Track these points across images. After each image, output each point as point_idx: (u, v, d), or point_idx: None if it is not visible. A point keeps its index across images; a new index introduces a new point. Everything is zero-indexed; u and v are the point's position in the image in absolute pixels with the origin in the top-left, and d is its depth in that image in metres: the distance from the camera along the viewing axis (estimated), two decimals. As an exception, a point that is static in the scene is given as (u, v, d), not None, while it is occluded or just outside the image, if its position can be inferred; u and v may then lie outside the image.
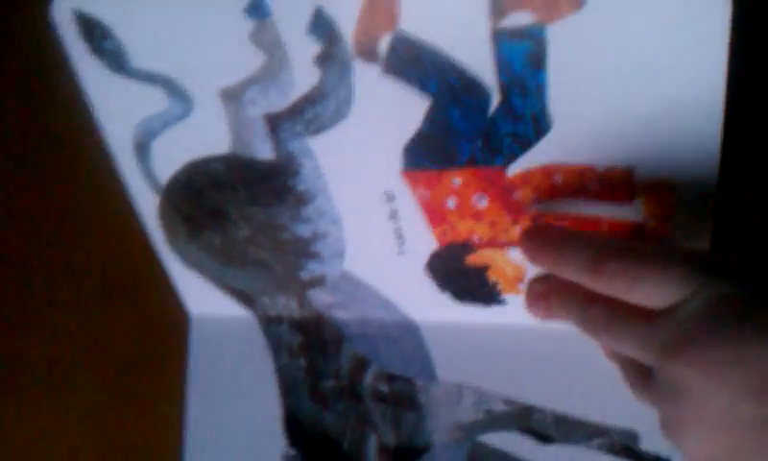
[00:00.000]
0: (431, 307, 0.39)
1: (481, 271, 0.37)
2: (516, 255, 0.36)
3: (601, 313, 0.30)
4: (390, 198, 0.36)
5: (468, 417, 0.38)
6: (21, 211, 0.45)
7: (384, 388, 0.39)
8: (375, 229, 0.37)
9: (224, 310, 0.42)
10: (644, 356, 0.29)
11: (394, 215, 0.36)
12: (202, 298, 0.42)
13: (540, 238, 0.34)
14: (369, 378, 0.39)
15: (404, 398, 0.39)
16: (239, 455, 0.39)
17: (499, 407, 0.38)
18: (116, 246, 0.44)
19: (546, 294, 0.35)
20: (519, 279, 0.37)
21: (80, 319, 0.44)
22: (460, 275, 0.38)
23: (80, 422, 0.43)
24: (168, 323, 0.42)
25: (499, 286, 0.38)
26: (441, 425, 0.38)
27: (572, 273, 0.31)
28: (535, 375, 0.38)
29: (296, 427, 0.39)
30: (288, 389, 0.40)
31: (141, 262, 0.43)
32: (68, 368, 0.43)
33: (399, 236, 0.37)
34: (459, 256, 0.37)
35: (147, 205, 0.38)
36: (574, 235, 0.32)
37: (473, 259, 0.37)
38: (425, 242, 0.37)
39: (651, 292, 0.29)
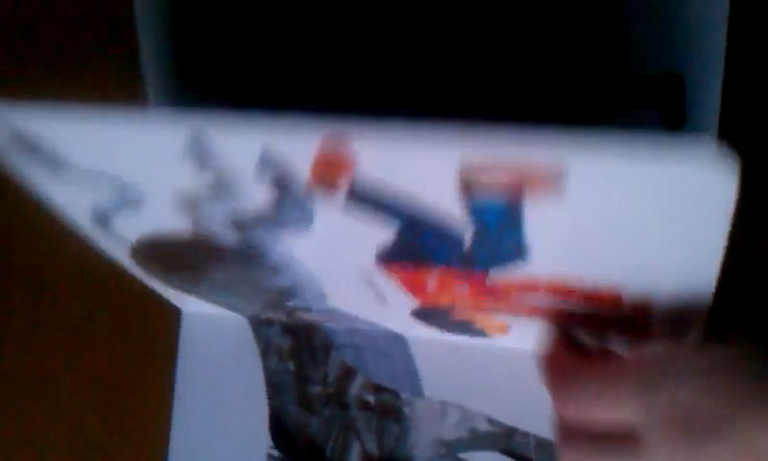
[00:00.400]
0: (419, 330, 0.39)
1: (466, 321, 0.36)
2: (499, 317, 0.35)
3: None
4: (366, 276, 0.34)
5: (451, 434, 0.40)
6: None
7: (370, 398, 0.40)
8: (355, 292, 0.35)
9: (214, 308, 0.42)
10: None
11: (372, 284, 0.34)
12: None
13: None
14: (355, 388, 0.40)
15: (389, 409, 0.40)
16: (224, 453, 0.41)
17: (483, 427, 0.39)
18: None
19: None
20: (506, 328, 0.36)
21: (64, 317, 0.44)
22: (445, 321, 0.37)
23: (67, 423, 0.43)
24: (159, 318, 0.43)
25: (485, 330, 0.37)
26: (423, 440, 0.40)
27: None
28: (520, 397, 0.39)
29: (281, 430, 0.41)
30: (275, 391, 0.41)
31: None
32: (54, 365, 0.44)
33: (380, 296, 0.35)
34: (443, 313, 0.36)
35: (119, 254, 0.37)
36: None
37: (457, 316, 0.36)
38: (407, 303, 0.35)
39: (609, 414, 0.28)
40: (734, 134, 0.33)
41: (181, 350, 0.43)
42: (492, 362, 0.39)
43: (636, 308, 0.30)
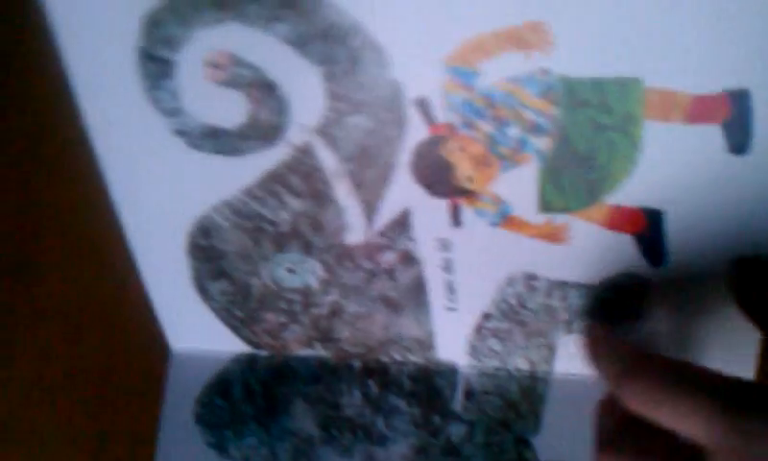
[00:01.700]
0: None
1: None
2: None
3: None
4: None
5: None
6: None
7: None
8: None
9: (206, 345, 0.40)
10: None
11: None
12: (183, 328, 0.40)
13: (584, 336, 0.33)
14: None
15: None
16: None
17: None
18: (90, 274, 0.42)
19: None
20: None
21: (42, 357, 0.41)
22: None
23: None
24: (145, 357, 0.41)
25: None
26: None
27: (604, 382, 0.30)
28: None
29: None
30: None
31: (117, 292, 0.41)
32: (31, 412, 0.41)
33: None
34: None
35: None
36: (609, 346, 0.30)
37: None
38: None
39: (674, 422, 0.26)
40: None
41: (170, 389, 0.40)
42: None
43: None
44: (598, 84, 0.28)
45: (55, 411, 0.41)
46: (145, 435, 0.40)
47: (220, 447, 0.39)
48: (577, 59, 0.28)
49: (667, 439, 0.27)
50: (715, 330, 0.34)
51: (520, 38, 0.28)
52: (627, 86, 0.28)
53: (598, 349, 0.31)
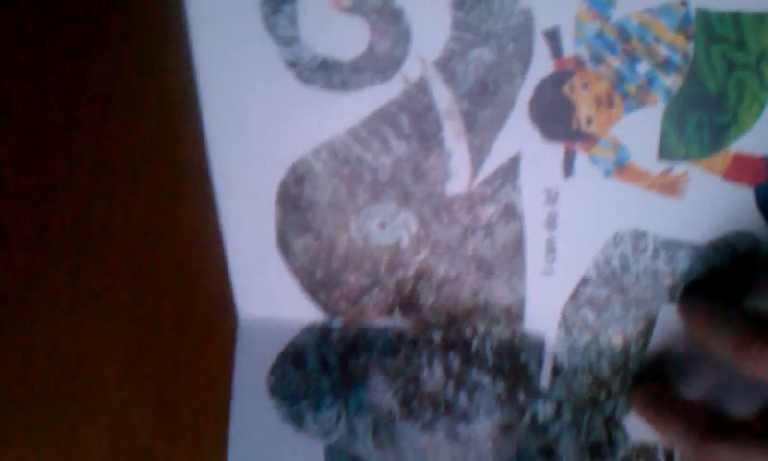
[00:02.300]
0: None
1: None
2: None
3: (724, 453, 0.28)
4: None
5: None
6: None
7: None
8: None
9: (278, 313, 0.38)
10: None
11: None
12: (255, 292, 0.38)
13: (692, 308, 0.33)
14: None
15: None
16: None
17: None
18: (167, 221, 0.40)
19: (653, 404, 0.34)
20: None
21: (112, 313, 0.39)
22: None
23: (111, 438, 0.39)
24: (215, 324, 0.39)
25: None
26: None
27: (718, 350, 0.30)
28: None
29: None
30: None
31: (192, 247, 0.39)
32: (96, 370, 0.38)
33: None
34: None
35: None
36: (724, 312, 0.31)
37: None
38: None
39: None
40: None
41: (239, 359, 0.38)
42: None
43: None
44: (736, 18, 0.28)
45: (124, 375, 0.38)
46: (218, 406, 0.37)
47: (296, 420, 0.37)
48: (717, -10, 0.28)
49: None
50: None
51: (662, -34, 0.28)
52: (765, 22, 0.28)
53: (712, 319, 0.31)
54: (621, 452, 0.35)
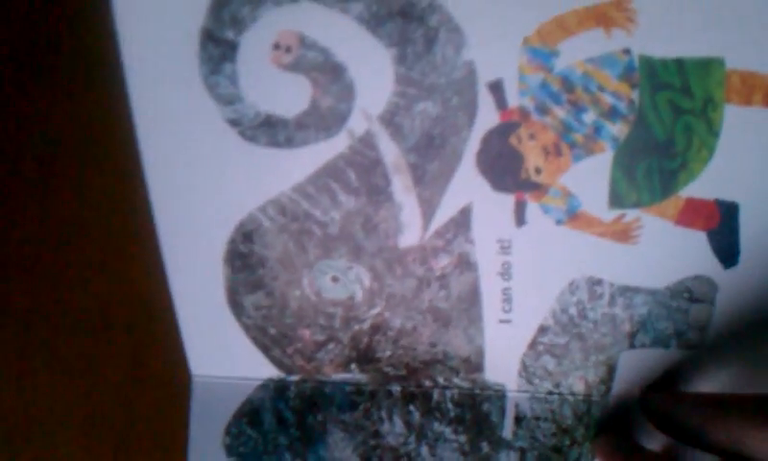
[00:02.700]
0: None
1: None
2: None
3: None
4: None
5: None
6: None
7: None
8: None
9: (230, 372, 0.37)
10: None
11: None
12: (208, 351, 0.37)
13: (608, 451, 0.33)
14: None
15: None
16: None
17: None
18: (116, 281, 0.39)
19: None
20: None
21: (63, 370, 0.38)
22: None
23: None
24: (169, 384, 0.38)
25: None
26: None
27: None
28: None
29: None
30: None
31: (142, 310, 0.38)
32: (49, 431, 0.37)
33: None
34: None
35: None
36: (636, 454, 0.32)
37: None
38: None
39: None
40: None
41: (194, 418, 0.37)
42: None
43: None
44: (680, 65, 0.28)
45: (77, 436, 0.37)
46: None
47: (253, 480, 0.36)
48: (659, 37, 0.28)
49: None
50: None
51: (604, 15, 0.28)
52: (709, 67, 0.28)
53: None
54: (587, 501, 0.35)
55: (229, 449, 0.36)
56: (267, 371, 0.37)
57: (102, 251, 0.39)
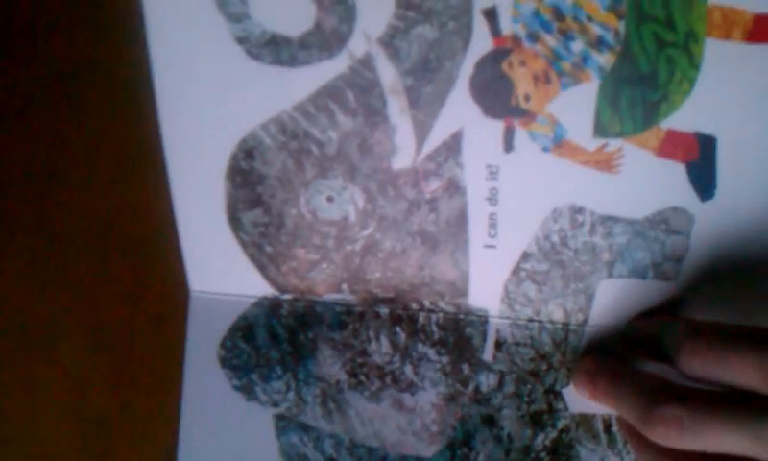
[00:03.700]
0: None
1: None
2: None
3: (680, 412, 0.29)
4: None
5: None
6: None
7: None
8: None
9: (227, 288, 0.39)
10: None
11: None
12: (206, 267, 0.39)
13: (594, 373, 0.34)
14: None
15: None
16: (236, 440, 0.38)
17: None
18: (117, 193, 0.41)
19: (595, 375, 0.35)
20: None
21: (68, 282, 0.39)
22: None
23: (67, 406, 0.39)
24: (168, 298, 0.39)
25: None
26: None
27: (624, 414, 0.31)
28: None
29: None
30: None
31: (143, 224, 0.40)
32: (52, 342, 0.39)
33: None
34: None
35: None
36: (629, 375, 0.32)
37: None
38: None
39: (746, 376, 0.28)
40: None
41: (191, 331, 0.39)
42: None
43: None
44: (665, -2, 0.29)
45: (79, 347, 0.38)
46: (170, 377, 0.38)
47: (247, 390, 0.38)
48: (646, -30, 0.29)
49: None
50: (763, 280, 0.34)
51: (595, -54, 0.29)
52: (691, 1, 0.29)
53: (616, 382, 0.32)
54: (561, 422, 0.36)
55: (223, 362, 0.38)
56: (262, 289, 0.39)
57: (106, 167, 0.40)
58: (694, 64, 0.30)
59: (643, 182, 0.33)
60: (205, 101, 0.34)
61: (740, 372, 0.28)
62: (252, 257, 0.38)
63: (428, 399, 0.37)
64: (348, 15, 0.32)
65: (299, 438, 0.37)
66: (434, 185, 0.35)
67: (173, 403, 0.38)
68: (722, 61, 0.30)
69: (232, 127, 0.35)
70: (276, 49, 0.33)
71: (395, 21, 0.32)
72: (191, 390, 0.38)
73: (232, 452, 0.37)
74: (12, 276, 0.39)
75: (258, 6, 0.32)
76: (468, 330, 0.38)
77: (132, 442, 0.38)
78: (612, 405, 0.33)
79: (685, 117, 0.31)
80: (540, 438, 0.36)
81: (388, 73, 0.33)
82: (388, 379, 0.37)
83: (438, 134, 0.34)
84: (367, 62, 0.33)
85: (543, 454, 0.36)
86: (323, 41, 0.32)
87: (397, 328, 0.38)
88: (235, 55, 0.33)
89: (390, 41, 0.32)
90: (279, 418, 0.37)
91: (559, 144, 0.33)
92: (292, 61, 0.33)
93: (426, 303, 0.38)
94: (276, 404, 0.37)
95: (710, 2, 0.29)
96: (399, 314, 0.38)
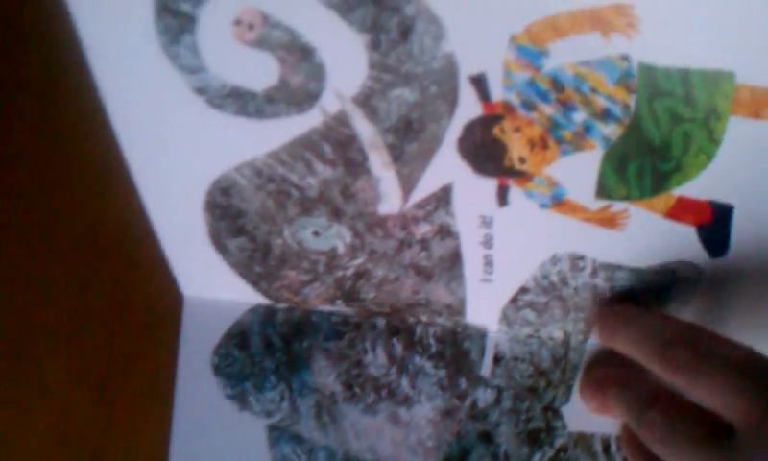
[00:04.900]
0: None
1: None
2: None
3: (659, 421, 0.28)
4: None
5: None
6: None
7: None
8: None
9: (221, 295, 0.38)
10: None
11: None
12: (197, 279, 0.38)
13: (612, 320, 0.32)
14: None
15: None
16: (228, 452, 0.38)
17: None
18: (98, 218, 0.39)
19: (603, 383, 0.33)
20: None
21: (52, 295, 0.39)
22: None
23: (49, 419, 0.38)
24: (158, 305, 0.38)
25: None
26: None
27: (642, 358, 0.30)
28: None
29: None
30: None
31: (129, 236, 0.38)
32: (36, 354, 0.39)
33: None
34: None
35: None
36: (646, 319, 0.30)
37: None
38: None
39: (708, 396, 0.27)
40: None
41: (184, 338, 0.39)
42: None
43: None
44: (684, 75, 0.25)
45: (64, 357, 0.39)
46: (162, 383, 0.38)
47: (240, 399, 0.38)
48: (664, 46, 0.24)
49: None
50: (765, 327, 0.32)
51: (602, 20, 0.24)
52: (717, 80, 0.24)
53: (633, 324, 0.30)
54: (559, 441, 0.36)
55: (217, 369, 0.38)
56: (256, 298, 0.38)
57: (88, 180, 0.39)
58: (714, 139, 0.26)
59: (650, 239, 0.30)
60: (172, 149, 0.31)
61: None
62: (243, 275, 0.37)
63: (424, 413, 0.37)
64: (317, 74, 0.28)
65: (291, 449, 0.38)
66: (424, 229, 0.32)
67: (164, 411, 0.39)
68: (747, 139, 0.26)
69: (203, 170, 0.32)
70: (239, 101, 0.29)
71: (369, 82, 0.27)
72: (183, 397, 0.38)
73: None
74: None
75: (214, 59, 0.28)
76: (467, 344, 0.37)
77: (121, 455, 0.38)
78: (622, 413, 0.32)
79: (701, 187, 0.27)
80: (537, 456, 0.36)
81: (366, 130, 0.29)
82: (384, 392, 0.37)
83: (426, 186, 0.30)
84: (342, 119, 0.29)
85: (539, 473, 0.37)
86: (290, 97, 0.28)
87: (394, 340, 0.37)
88: (195, 105, 0.29)
89: (366, 101, 0.28)
90: (272, 428, 0.38)
91: (558, 202, 0.29)
92: (259, 114, 0.29)
93: (423, 319, 0.37)
94: (269, 414, 0.38)
95: (739, 81, 0.24)
96: (396, 326, 0.37)
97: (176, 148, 0.31)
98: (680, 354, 0.28)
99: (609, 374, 0.34)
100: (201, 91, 0.29)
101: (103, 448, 0.38)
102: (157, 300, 0.39)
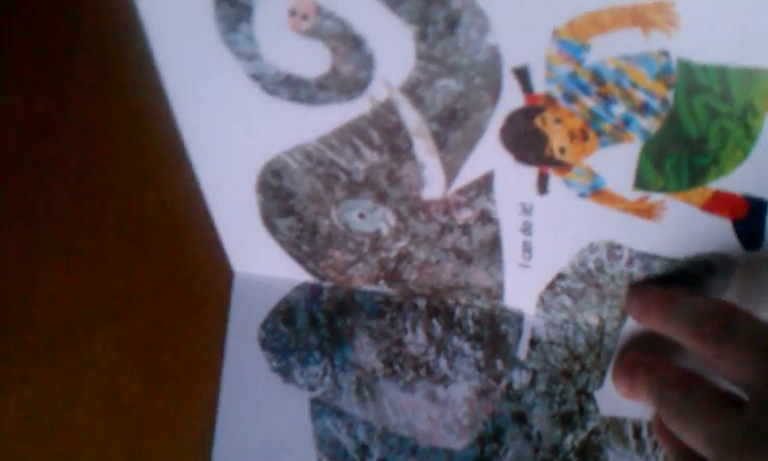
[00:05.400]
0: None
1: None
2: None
3: (676, 398, 0.29)
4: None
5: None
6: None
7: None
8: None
9: (269, 272, 0.40)
10: (707, 454, 0.28)
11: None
12: (247, 256, 0.40)
13: (646, 298, 0.33)
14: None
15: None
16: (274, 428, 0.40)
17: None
18: (153, 196, 0.41)
19: (633, 368, 0.34)
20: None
21: (103, 271, 0.40)
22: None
23: (98, 393, 0.40)
24: (209, 277, 0.40)
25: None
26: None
27: (673, 331, 0.31)
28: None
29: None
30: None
31: (180, 216, 0.40)
32: (86, 329, 0.40)
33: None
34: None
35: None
36: (679, 295, 0.31)
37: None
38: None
39: (731, 369, 0.28)
40: None
41: (233, 312, 0.41)
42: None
43: None
44: (722, 72, 0.25)
45: (114, 331, 0.41)
46: (210, 356, 0.40)
47: (285, 372, 0.40)
48: (702, 44, 0.25)
49: None
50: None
51: (642, 17, 0.25)
52: (754, 77, 0.25)
53: (667, 301, 0.31)
54: (591, 424, 0.37)
55: (264, 343, 0.40)
56: (303, 276, 0.40)
57: (140, 161, 0.40)
58: (751, 136, 0.27)
59: (685, 230, 0.31)
60: (227, 131, 0.33)
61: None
62: (291, 254, 0.39)
63: (461, 392, 0.38)
64: (367, 63, 0.29)
65: (332, 423, 0.40)
66: (466, 214, 0.33)
67: (211, 383, 0.40)
68: (784, 134, 0.26)
69: (256, 152, 0.34)
70: (292, 88, 0.31)
71: (416, 72, 0.29)
72: (231, 370, 0.40)
73: (268, 432, 0.40)
74: (46, 269, 0.41)
75: (269, 47, 0.29)
76: (504, 327, 0.38)
77: (168, 427, 0.40)
78: (647, 396, 0.33)
79: (737, 181, 0.28)
80: (569, 438, 0.37)
81: (412, 118, 0.30)
82: (422, 371, 0.39)
83: (468, 174, 0.32)
84: (389, 107, 0.30)
85: (572, 455, 0.38)
86: (341, 85, 0.30)
87: (434, 321, 0.39)
88: (251, 90, 0.31)
89: (412, 90, 0.29)
90: (315, 402, 0.40)
91: (597, 192, 0.30)
92: (311, 100, 0.31)
93: (462, 300, 0.38)
94: (312, 388, 0.40)
95: (777, 78, 0.25)
96: (436, 307, 0.39)
97: (231, 131, 0.33)
98: (709, 329, 0.28)
99: (640, 359, 0.35)
100: (256, 77, 0.31)
101: (151, 420, 0.40)
102: (208, 276, 0.41)
